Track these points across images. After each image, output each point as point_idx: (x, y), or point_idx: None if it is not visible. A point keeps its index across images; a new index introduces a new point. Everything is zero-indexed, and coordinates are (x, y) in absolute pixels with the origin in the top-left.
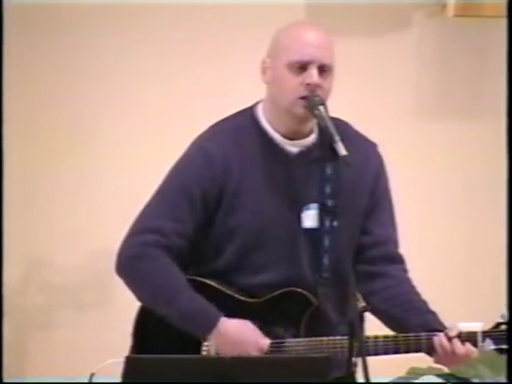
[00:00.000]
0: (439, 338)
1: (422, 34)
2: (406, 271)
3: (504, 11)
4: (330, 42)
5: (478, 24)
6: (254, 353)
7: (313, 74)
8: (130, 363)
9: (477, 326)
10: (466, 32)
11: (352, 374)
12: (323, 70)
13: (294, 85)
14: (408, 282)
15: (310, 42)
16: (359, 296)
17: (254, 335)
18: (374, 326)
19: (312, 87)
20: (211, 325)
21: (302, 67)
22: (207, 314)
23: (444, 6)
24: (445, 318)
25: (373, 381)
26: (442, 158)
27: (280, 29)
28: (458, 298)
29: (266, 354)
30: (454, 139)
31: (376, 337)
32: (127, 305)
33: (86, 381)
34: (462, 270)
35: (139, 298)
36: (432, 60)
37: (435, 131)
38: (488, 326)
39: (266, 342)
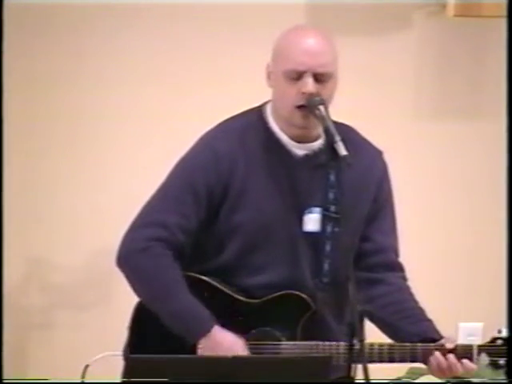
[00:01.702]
0: (435, 357)
1: (422, 34)
2: (405, 279)
3: (504, 11)
4: (329, 47)
5: (477, 24)
6: None
7: (307, 83)
8: (130, 363)
9: (477, 327)
10: (466, 32)
11: (350, 376)
12: (320, 78)
13: (290, 93)
14: (406, 289)
15: (306, 51)
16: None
17: (244, 352)
18: (371, 334)
19: (307, 96)
20: (204, 331)
21: (298, 76)
22: (201, 319)
23: (444, 6)
24: (445, 318)
25: (373, 381)
26: (442, 158)
27: (282, 33)
28: (459, 299)
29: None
30: (453, 139)
31: (371, 344)
32: (127, 305)
33: (87, 381)
34: (462, 270)
35: (136, 292)
36: (432, 60)
37: (435, 131)
38: (488, 326)
39: None
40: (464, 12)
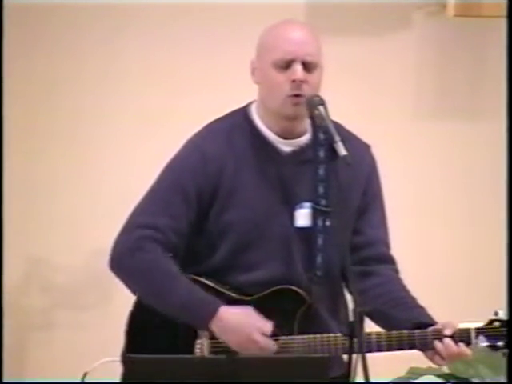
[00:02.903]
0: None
1: (422, 34)
2: (396, 271)
3: (504, 11)
4: (313, 38)
5: (478, 24)
6: (258, 337)
7: (297, 70)
8: (130, 363)
9: (477, 327)
10: (466, 32)
11: (349, 374)
12: (307, 66)
13: (280, 83)
14: (397, 280)
15: (292, 40)
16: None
17: (257, 320)
18: (369, 324)
19: (297, 83)
20: (211, 314)
21: (286, 65)
22: (207, 303)
23: (444, 6)
24: (445, 318)
25: (373, 381)
26: (442, 157)
27: (265, 29)
28: (458, 299)
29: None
30: (453, 139)
31: (369, 334)
32: (127, 305)
33: (86, 381)
34: (462, 270)
35: (135, 292)
36: (432, 60)
37: (435, 131)
38: None
39: (269, 325)
40: (464, 12)
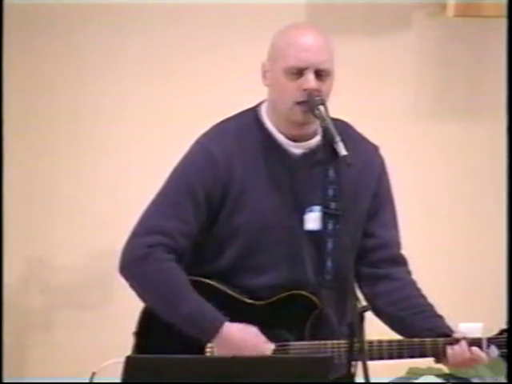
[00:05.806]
0: (451, 347)
1: (422, 34)
2: (409, 273)
3: (504, 11)
4: (327, 45)
5: (478, 24)
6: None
7: (309, 79)
8: (130, 363)
9: (477, 327)
10: (466, 32)
11: (351, 374)
12: (320, 74)
13: (291, 90)
14: (413, 284)
15: (306, 47)
16: (360, 297)
17: (258, 340)
18: (377, 330)
19: (309, 92)
20: (215, 329)
21: (299, 73)
22: (211, 318)
23: (444, 6)
24: (445, 318)
25: (373, 381)
26: (442, 157)
27: (279, 31)
28: (459, 299)
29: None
30: (453, 139)
31: (380, 341)
32: (127, 305)
33: (87, 381)
34: (462, 270)
35: (143, 300)
36: (432, 60)
37: (435, 131)
38: (488, 326)
39: (270, 347)
40: (464, 12)
